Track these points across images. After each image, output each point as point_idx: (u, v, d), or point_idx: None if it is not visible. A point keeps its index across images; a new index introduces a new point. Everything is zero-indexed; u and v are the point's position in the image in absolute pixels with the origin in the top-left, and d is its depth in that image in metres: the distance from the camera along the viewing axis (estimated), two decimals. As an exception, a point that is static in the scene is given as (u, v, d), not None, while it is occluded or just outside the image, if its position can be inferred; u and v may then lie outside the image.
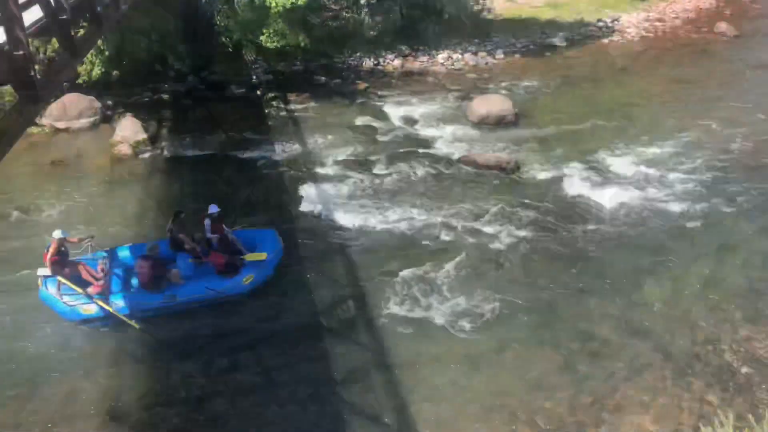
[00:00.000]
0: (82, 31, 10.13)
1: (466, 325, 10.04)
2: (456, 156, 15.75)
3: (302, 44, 19.07)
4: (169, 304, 10.24)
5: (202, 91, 20.14)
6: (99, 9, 9.06)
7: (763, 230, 12.51)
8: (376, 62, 22.60)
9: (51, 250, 10.18)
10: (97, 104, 17.80)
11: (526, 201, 13.53)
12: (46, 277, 10.17)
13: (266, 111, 18.88)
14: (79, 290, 9.99)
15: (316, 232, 12.68)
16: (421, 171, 15.02)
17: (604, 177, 14.54)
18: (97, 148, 16.39)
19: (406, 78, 21.55)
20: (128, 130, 16.66)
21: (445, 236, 12.34)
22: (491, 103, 18.02)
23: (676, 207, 13.27)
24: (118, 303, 10.09)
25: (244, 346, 9.77)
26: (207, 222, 11.00)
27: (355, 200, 13.73)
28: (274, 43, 18.45)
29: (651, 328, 9.96)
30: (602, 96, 19.70)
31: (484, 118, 17.66)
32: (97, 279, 10.40)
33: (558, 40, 24.82)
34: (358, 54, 22.99)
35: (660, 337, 9.78)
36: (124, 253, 11.15)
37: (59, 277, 10.08)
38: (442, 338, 9.81)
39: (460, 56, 23.20)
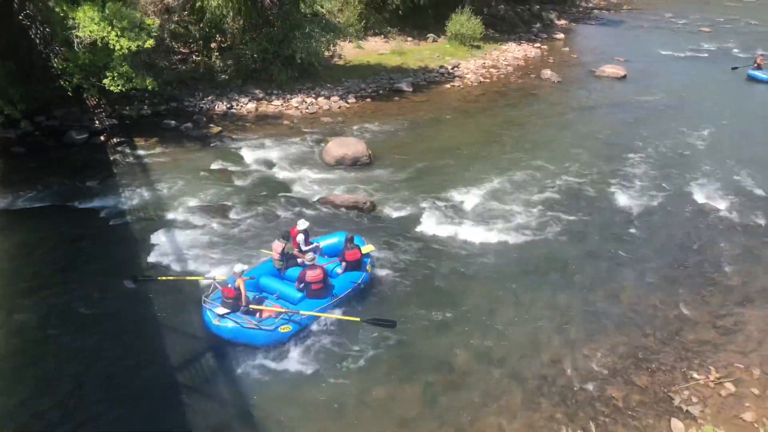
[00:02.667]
0: None
1: (327, 368, 10.02)
2: (314, 198, 15.93)
3: (150, 88, 18.39)
4: (334, 304, 11.11)
5: (38, 138, 18.74)
6: None
7: (591, 255, 13.87)
8: (229, 105, 22.41)
9: (240, 286, 10.40)
10: None
11: (383, 239, 13.93)
12: (227, 314, 10.27)
13: (112, 158, 17.91)
14: (282, 310, 10.53)
15: (168, 284, 11.95)
16: (279, 214, 14.98)
17: (453, 213, 15.39)
18: None
19: (261, 121, 21.55)
20: (-52, 181, 15.03)
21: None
22: (347, 146, 18.53)
23: (518, 238, 14.32)
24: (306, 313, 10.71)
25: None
26: (301, 237, 12.14)
27: (210, 248, 13.30)
28: (119, 87, 17.59)
29: (504, 355, 10.58)
30: (447, 137, 21.01)
31: (340, 159, 18.09)
32: (257, 303, 10.82)
33: (405, 85, 26.20)
34: (210, 97, 22.70)
35: (512, 362, 10.41)
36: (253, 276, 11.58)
37: (258, 307, 10.60)
38: (304, 385, 9.70)
39: (314, 100, 23.70)
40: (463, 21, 32.27)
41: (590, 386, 9.93)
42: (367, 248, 12.51)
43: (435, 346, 10.70)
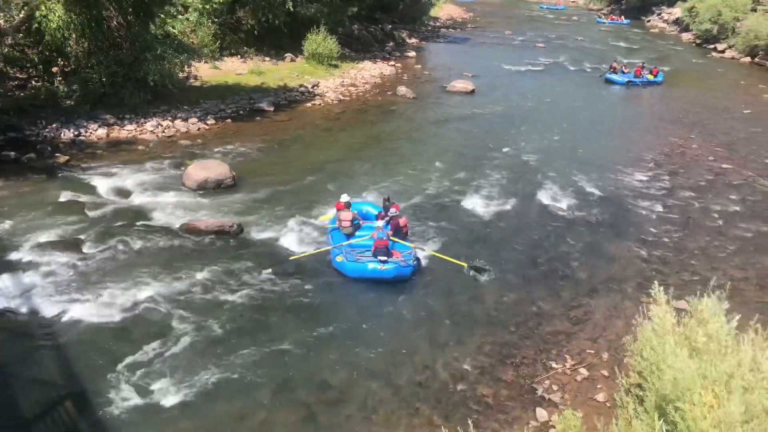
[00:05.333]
0: None
1: (201, 400, 9.68)
2: (176, 225, 15.34)
3: (-19, 117, 16.76)
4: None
5: None
6: None
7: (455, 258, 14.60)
8: (77, 133, 20.99)
9: (390, 236, 13.62)
10: None
11: (252, 262, 13.72)
12: (387, 260, 13.16)
13: (-61, 197, 16.10)
14: (414, 247, 13.93)
15: (16, 332, 11.01)
16: (138, 245, 14.24)
17: (320, 231, 15.48)
18: None
19: (113, 148, 20.42)
20: None
21: (169, 311, 11.76)
22: (209, 168, 18.03)
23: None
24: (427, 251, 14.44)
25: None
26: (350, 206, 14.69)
27: (61, 287, 12.31)
28: (-55, 118, 15.90)
29: (379, 366, 10.80)
30: (312, 155, 21.16)
31: (202, 183, 17.58)
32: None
33: (266, 105, 26.04)
34: (55, 125, 21.10)
35: (387, 372, 10.66)
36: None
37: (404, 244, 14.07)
38: (179, 419, 9.30)
39: (170, 123, 22.86)
40: (319, 41, 32.70)
41: (462, 386, 10.42)
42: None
43: (311, 366, 10.70)
